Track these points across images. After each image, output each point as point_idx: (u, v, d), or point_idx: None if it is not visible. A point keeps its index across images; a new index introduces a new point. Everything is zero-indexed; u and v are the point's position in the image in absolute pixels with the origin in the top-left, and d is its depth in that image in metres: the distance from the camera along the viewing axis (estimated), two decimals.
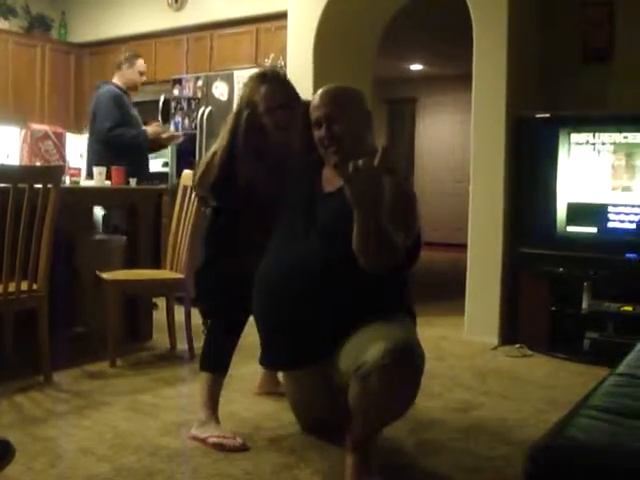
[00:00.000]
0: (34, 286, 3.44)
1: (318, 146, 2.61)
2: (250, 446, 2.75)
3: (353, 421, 2.43)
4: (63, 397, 3.35)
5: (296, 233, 2.60)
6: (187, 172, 4.23)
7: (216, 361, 2.90)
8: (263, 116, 2.77)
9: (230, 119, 2.89)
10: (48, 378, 3.50)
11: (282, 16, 5.89)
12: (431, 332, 4.75)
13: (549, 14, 5.01)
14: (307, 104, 2.72)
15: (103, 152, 5.19)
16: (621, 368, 2.15)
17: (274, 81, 2.85)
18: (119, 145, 5.20)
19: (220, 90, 5.76)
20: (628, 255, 4.20)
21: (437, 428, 3.06)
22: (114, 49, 7.73)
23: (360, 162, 2.13)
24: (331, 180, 2.64)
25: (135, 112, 5.49)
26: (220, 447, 2.71)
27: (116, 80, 5.47)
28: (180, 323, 4.20)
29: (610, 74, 4.84)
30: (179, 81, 6.08)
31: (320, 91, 2.63)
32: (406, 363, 2.29)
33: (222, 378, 2.90)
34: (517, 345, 4.47)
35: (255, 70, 3.06)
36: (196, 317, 3.30)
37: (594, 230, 4.38)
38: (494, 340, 4.65)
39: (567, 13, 5.02)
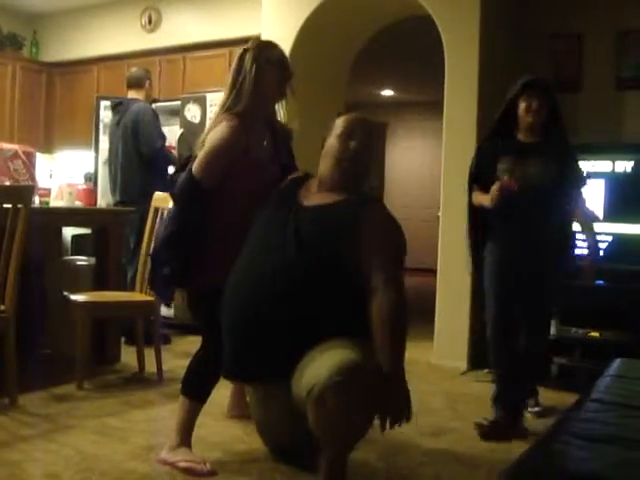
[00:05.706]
0: (1, 307, 3.38)
1: (332, 153, 2.66)
2: (219, 471, 2.72)
3: (321, 444, 2.42)
4: (29, 420, 3.30)
5: (270, 245, 2.58)
6: (159, 194, 4.20)
7: (199, 390, 2.82)
8: (266, 64, 2.84)
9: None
10: (13, 401, 3.43)
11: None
12: None
13: (520, 44, 5.09)
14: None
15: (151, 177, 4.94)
16: (591, 394, 2.17)
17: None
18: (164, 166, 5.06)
19: (192, 112, 5.76)
20: (596, 282, 4.25)
21: (407, 453, 3.05)
22: (86, 69, 7.73)
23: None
24: (313, 193, 2.69)
25: None
26: (189, 472, 2.68)
27: (140, 96, 5.28)
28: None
29: (579, 104, 4.93)
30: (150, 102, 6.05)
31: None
32: (356, 377, 2.27)
33: (201, 406, 2.84)
34: (486, 370, 4.47)
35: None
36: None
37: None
38: (463, 365, 4.68)
39: (537, 43, 5.12)
